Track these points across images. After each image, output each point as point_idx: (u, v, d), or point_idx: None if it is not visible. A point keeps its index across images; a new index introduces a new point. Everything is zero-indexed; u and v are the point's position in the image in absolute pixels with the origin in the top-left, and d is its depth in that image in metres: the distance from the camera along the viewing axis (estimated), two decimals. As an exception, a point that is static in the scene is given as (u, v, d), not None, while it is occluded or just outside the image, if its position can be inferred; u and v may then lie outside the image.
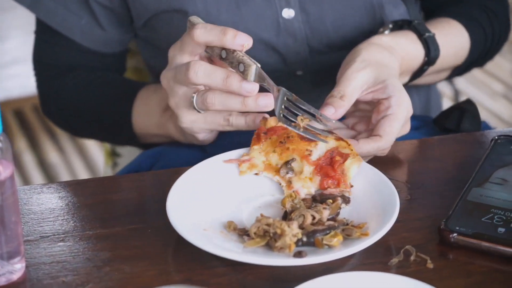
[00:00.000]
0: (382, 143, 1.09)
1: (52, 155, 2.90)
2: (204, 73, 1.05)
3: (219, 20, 1.25)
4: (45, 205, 1.05)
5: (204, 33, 1.06)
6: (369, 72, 1.11)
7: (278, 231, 0.95)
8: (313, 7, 1.27)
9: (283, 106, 1.04)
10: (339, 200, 1.02)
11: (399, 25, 1.25)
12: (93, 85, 1.35)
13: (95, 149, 2.82)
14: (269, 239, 0.95)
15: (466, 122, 1.26)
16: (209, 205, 1.02)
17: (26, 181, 2.77)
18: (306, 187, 1.03)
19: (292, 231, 0.95)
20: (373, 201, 1.01)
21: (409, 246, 0.97)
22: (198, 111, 1.10)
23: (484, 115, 3.03)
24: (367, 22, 1.29)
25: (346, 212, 1.01)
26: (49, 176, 2.78)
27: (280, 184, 1.05)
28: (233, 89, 1.05)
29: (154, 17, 1.29)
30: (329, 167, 1.04)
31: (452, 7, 1.35)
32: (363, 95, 1.13)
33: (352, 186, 1.04)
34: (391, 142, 1.10)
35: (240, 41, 1.05)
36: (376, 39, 1.18)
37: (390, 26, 1.25)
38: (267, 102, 1.06)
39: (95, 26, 1.33)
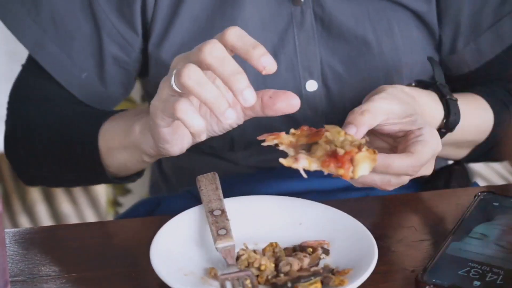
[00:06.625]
0: (414, 160, 1.03)
1: (65, 205, 2.95)
2: (220, 54, 0.96)
3: None
4: (35, 248, 1.08)
5: (235, 35, 0.97)
6: (395, 104, 1.07)
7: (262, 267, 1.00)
8: (335, 84, 1.28)
9: None
10: (320, 250, 1.04)
11: (423, 85, 1.22)
12: (64, 110, 1.29)
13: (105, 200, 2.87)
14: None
15: (454, 181, 1.29)
16: (192, 251, 1.04)
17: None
18: (309, 161, 0.99)
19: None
20: (352, 252, 1.03)
21: (384, 296, 0.99)
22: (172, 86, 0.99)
23: (493, 178, 3.04)
24: None
25: (326, 263, 1.04)
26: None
27: (284, 150, 1.01)
28: (234, 86, 0.95)
29: None
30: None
31: (477, 86, 1.32)
32: (388, 126, 1.08)
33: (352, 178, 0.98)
34: (422, 163, 1.05)
35: (264, 62, 0.97)
36: (398, 85, 1.14)
37: (413, 84, 1.23)
38: (232, 115, 0.96)
39: (96, 81, 1.29)
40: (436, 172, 1.32)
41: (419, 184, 1.33)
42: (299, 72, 1.27)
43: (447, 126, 1.19)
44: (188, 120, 0.96)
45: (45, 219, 2.87)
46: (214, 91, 0.95)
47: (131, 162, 1.19)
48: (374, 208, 1.17)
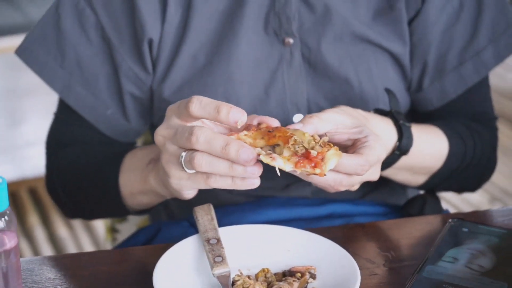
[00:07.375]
0: (362, 159, 1.13)
1: (61, 230, 3.03)
2: (205, 139, 1.06)
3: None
4: (45, 275, 1.17)
5: (199, 108, 1.08)
6: (345, 117, 1.18)
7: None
8: None
9: None
10: (307, 275, 1.14)
11: (380, 113, 1.32)
12: (90, 154, 1.41)
13: (100, 225, 2.94)
14: None
15: (428, 209, 1.40)
16: (191, 277, 1.13)
17: (36, 253, 2.89)
18: (284, 162, 1.07)
19: None
20: (337, 276, 1.13)
21: (365, 316, 1.09)
22: (185, 170, 1.11)
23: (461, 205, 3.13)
24: None
25: (313, 287, 1.13)
26: (58, 249, 2.91)
27: (259, 155, 1.07)
28: (231, 157, 1.05)
29: None
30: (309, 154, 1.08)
31: (436, 120, 1.42)
32: (338, 135, 1.18)
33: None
34: (370, 164, 1.14)
35: (233, 118, 1.06)
36: (356, 108, 1.24)
37: (372, 111, 1.32)
38: (256, 170, 1.07)
39: (120, 117, 1.41)
40: (410, 200, 1.44)
41: (397, 212, 1.43)
42: (287, 106, 1.37)
43: (400, 148, 1.28)
44: (223, 185, 1.09)
45: (43, 244, 2.95)
46: (225, 166, 1.06)
47: (154, 201, 1.34)
48: (355, 234, 1.26)
